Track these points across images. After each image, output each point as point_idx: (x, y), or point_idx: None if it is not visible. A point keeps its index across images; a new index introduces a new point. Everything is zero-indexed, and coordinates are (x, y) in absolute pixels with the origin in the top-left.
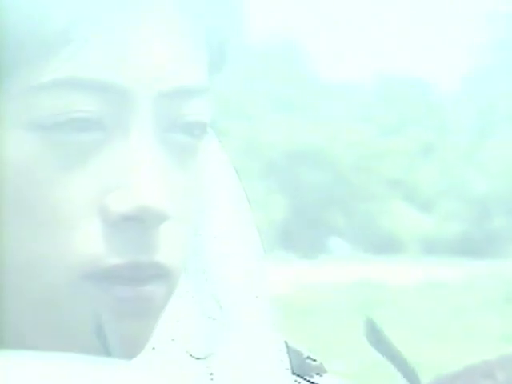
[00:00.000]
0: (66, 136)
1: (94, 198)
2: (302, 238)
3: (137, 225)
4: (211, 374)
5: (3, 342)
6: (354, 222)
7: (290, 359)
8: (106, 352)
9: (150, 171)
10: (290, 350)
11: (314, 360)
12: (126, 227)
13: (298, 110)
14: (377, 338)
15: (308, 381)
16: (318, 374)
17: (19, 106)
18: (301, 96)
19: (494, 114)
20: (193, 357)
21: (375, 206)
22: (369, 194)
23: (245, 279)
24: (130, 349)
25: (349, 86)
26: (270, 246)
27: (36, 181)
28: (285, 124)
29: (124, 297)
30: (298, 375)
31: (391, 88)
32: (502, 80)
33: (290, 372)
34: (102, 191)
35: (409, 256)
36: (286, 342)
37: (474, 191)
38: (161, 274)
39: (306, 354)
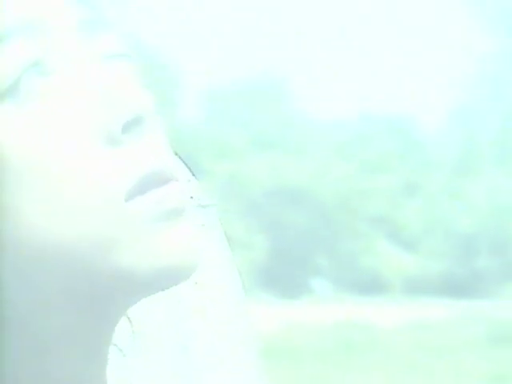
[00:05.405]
0: None
1: (99, 123)
2: (285, 279)
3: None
4: None
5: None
6: (337, 262)
7: None
8: None
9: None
10: None
11: None
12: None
13: (279, 147)
14: None
15: None
16: None
17: None
18: (283, 134)
19: (479, 149)
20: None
21: (359, 245)
22: (352, 233)
23: (228, 324)
24: None
25: (331, 124)
26: (252, 286)
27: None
28: (266, 162)
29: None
30: None
31: (373, 125)
32: (486, 115)
33: None
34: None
35: (393, 296)
36: None
37: (458, 229)
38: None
39: None
